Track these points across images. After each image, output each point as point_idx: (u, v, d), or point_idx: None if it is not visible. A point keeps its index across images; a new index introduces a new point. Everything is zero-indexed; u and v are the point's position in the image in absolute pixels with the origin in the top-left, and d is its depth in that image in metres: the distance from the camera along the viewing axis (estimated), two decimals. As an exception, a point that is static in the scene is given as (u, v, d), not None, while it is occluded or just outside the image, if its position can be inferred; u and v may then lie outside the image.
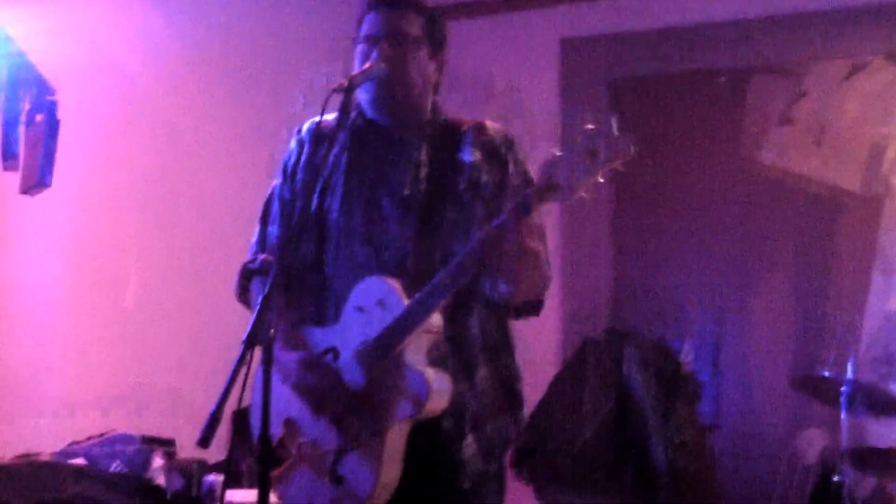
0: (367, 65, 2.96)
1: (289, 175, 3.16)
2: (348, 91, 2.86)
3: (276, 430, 2.89)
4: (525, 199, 2.63)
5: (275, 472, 2.87)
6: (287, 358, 2.91)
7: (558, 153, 2.57)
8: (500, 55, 6.94)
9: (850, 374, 5.19)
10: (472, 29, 6.84)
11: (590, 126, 2.53)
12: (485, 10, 6.97)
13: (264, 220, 3.20)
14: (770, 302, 6.26)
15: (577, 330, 6.12)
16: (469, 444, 2.92)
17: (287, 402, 2.90)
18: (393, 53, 2.99)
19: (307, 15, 6.22)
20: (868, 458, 5.24)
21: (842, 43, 6.21)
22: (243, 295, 3.13)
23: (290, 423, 2.92)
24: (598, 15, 6.80)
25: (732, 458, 6.04)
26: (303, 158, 3.13)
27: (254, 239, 3.20)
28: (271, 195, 3.20)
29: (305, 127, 3.19)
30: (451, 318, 2.90)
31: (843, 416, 5.14)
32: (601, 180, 2.54)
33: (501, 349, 3.05)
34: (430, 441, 2.87)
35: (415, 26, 3.05)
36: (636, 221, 6.59)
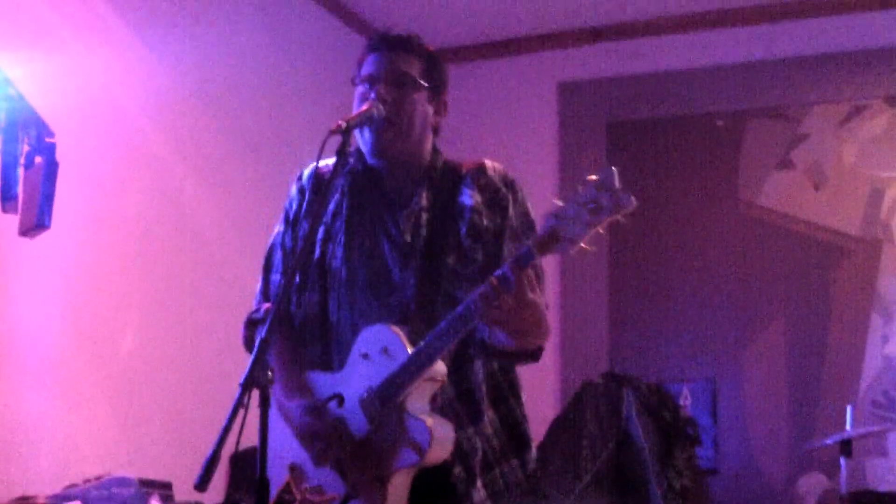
0: (364, 106, 2.95)
1: (290, 222, 3.14)
2: (346, 132, 2.85)
3: (282, 475, 2.89)
4: (526, 251, 2.61)
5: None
6: (292, 403, 2.90)
7: (560, 204, 2.55)
8: (500, 98, 6.98)
9: (848, 419, 5.19)
10: (472, 72, 6.88)
11: (592, 178, 2.51)
12: (484, 55, 7.02)
13: (267, 269, 3.18)
14: (768, 345, 6.25)
15: (575, 374, 6.11)
16: (479, 491, 2.90)
17: (292, 448, 2.89)
18: (391, 95, 2.98)
19: (308, 60, 6.24)
20: (868, 502, 5.22)
21: (840, 87, 6.24)
22: (249, 346, 3.11)
23: (294, 468, 2.90)
24: (595, 59, 6.83)
25: (732, 502, 6.02)
26: (304, 205, 3.11)
27: (258, 289, 3.18)
28: (273, 244, 3.18)
29: (306, 173, 3.17)
30: (455, 363, 2.89)
31: (842, 460, 5.13)
32: (602, 231, 2.53)
33: (507, 392, 3.03)
34: (440, 488, 2.85)
35: (414, 68, 3.03)
36: (633, 265, 6.59)
